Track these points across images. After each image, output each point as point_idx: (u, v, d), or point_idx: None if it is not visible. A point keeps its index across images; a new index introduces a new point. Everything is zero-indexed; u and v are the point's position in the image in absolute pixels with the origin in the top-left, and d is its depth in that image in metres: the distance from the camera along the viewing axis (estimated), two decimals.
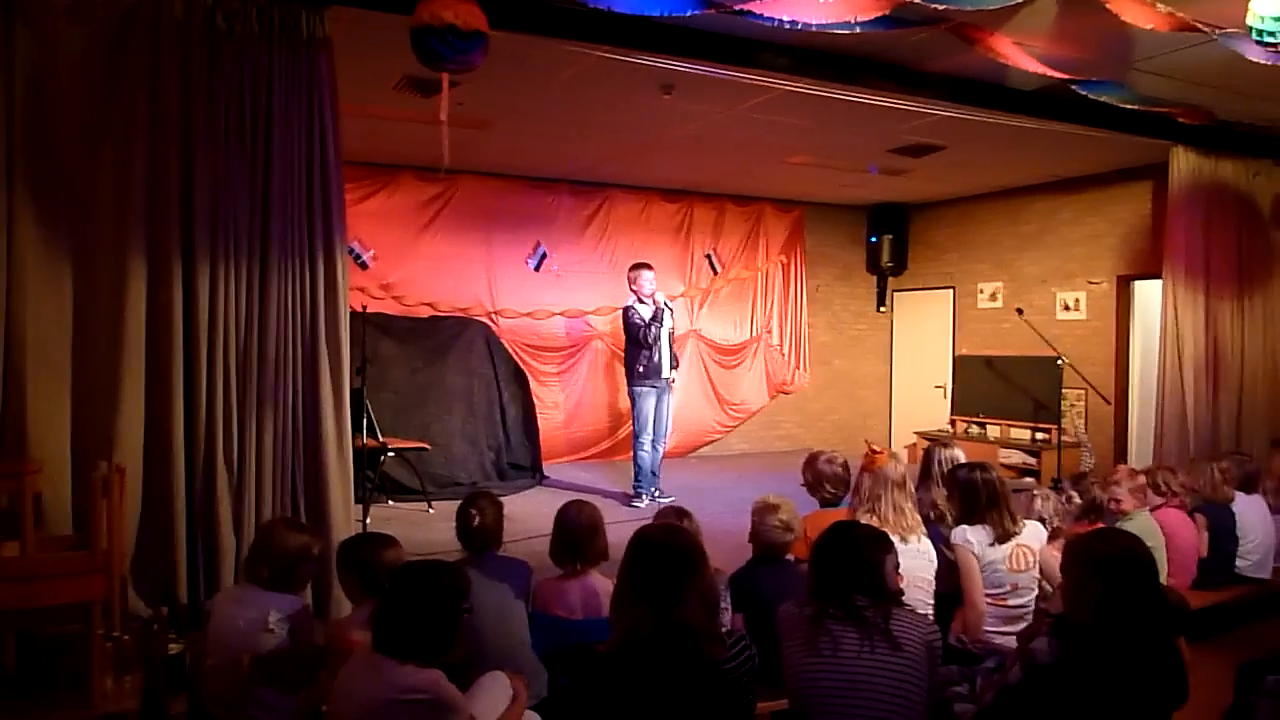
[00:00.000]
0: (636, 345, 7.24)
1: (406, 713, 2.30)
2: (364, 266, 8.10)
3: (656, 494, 7.27)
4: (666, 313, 7.30)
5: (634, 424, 7.36)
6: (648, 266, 7.45)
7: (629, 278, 7.45)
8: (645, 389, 7.25)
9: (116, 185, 3.90)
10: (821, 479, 4.16)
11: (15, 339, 3.72)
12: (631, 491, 7.30)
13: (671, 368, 7.41)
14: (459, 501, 3.55)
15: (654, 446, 7.34)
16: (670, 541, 2.32)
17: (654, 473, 7.37)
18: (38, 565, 3.23)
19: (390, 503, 7.03)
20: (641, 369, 7.23)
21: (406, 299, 8.30)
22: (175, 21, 3.91)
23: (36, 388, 3.76)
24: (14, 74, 3.70)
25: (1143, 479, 4.78)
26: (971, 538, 3.61)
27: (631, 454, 7.43)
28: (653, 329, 7.18)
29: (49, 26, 3.76)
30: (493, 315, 8.71)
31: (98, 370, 3.89)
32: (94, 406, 3.88)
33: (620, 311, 7.53)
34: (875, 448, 3.84)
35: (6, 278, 3.71)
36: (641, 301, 7.30)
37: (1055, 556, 3.56)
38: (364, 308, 6.67)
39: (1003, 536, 3.61)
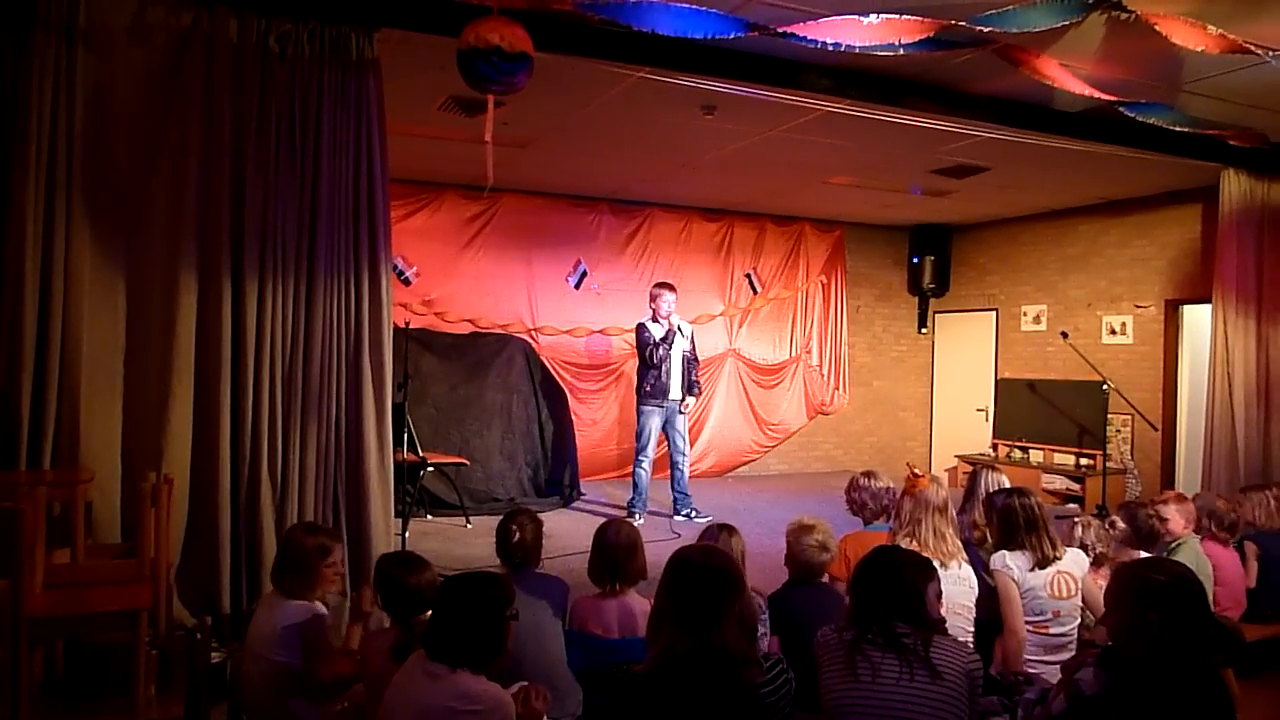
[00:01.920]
0: (646, 364, 7.25)
1: None
2: (407, 283, 8.21)
3: (694, 514, 7.25)
4: (679, 335, 7.27)
5: (636, 440, 7.36)
6: (670, 288, 7.44)
7: (650, 294, 7.45)
8: (651, 408, 7.24)
9: (170, 202, 4.00)
10: (863, 493, 4.15)
11: (70, 351, 3.82)
12: (625, 510, 7.28)
13: (686, 393, 7.37)
14: (496, 517, 3.57)
15: (678, 464, 7.34)
16: (709, 564, 2.29)
17: (685, 492, 7.35)
18: (87, 573, 3.32)
19: (429, 517, 7.09)
20: (649, 388, 7.22)
21: (448, 315, 8.39)
22: (229, 43, 4.01)
23: (89, 399, 3.85)
24: (75, 93, 3.82)
25: (1192, 505, 4.64)
26: (1011, 563, 3.55)
27: (639, 470, 7.33)
28: (661, 349, 7.18)
29: (109, 48, 3.88)
30: (533, 332, 8.77)
31: (148, 383, 3.98)
32: (144, 418, 3.97)
33: (635, 327, 7.53)
34: (917, 471, 3.81)
35: (64, 291, 3.81)
36: (656, 320, 7.30)
37: (1099, 585, 3.50)
38: (406, 323, 6.75)
39: (1042, 561, 3.54)
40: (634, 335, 7.52)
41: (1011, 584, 3.52)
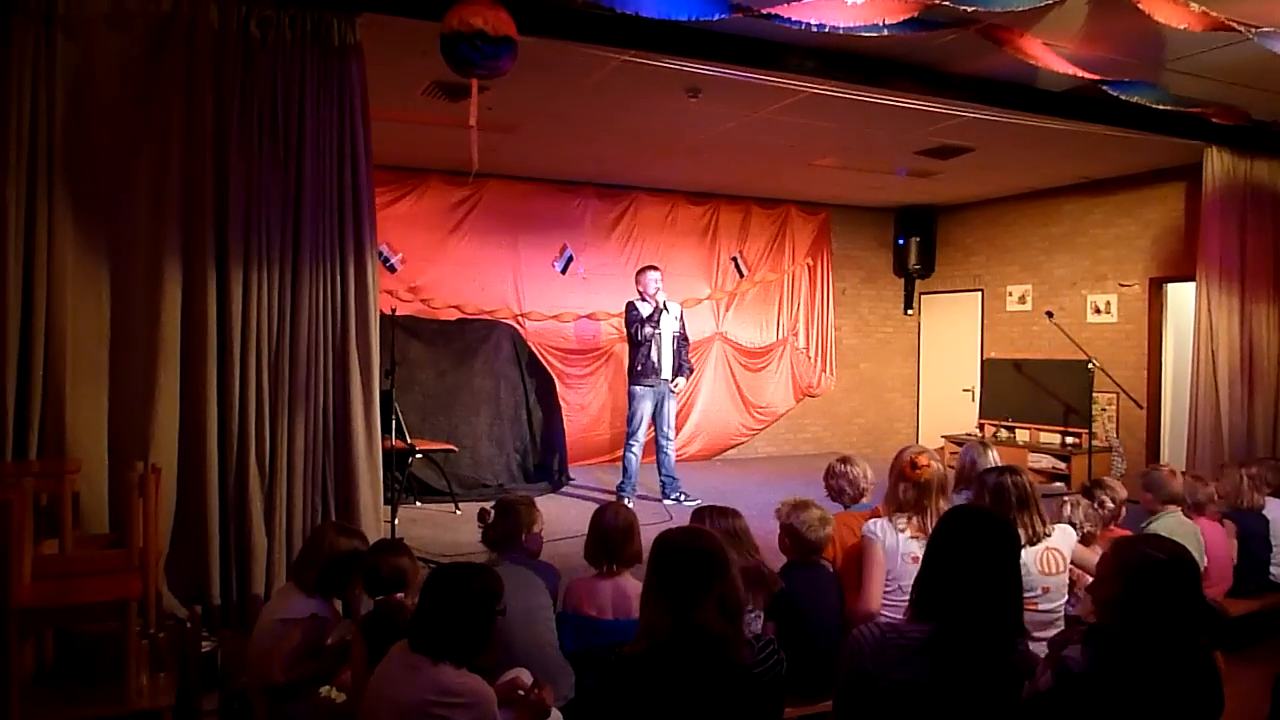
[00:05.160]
0: (634, 343, 7.27)
1: (444, 716, 2.30)
2: (392, 270, 8.17)
3: (682, 497, 7.27)
4: (666, 314, 7.28)
5: (627, 424, 7.37)
6: (654, 268, 7.47)
7: (635, 277, 7.50)
8: (643, 389, 7.25)
9: (153, 190, 3.96)
10: (840, 480, 4.19)
11: (55, 341, 3.79)
12: (615, 494, 7.27)
13: (676, 373, 7.38)
14: (485, 503, 3.57)
15: (663, 448, 7.35)
16: (690, 545, 2.28)
17: (672, 475, 7.37)
18: (76, 563, 3.30)
19: (418, 504, 7.09)
20: (639, 367, 7.24)
21: (434, 302, 8.37)
22: (210, 29, 3.97)
23: (75, 389, 3.82)
24: (55, 82, 3.77)
25: (1179, 479, 4.69)
26: None
27: (630, 454, 7.34)
28: (647, 326, 7.18)
29: (88, 34, 3.83)
30: (519, 318, 8.76)
31: (134, 372, 3.96)
32: (130, 407, 3.95)
33: (624, 306, 7.54)
34: (924, 460, 3.79)
35: (47, 281, 3.78)
36: (643, 300, 7.31)
37: (1086, 560, 3.53)
38: (393, 310, 6.72)
39: (1033, 539, 3.57)
40: (622, 315, 7.55)
41: None
